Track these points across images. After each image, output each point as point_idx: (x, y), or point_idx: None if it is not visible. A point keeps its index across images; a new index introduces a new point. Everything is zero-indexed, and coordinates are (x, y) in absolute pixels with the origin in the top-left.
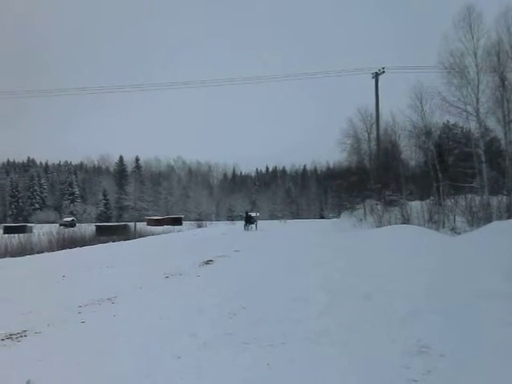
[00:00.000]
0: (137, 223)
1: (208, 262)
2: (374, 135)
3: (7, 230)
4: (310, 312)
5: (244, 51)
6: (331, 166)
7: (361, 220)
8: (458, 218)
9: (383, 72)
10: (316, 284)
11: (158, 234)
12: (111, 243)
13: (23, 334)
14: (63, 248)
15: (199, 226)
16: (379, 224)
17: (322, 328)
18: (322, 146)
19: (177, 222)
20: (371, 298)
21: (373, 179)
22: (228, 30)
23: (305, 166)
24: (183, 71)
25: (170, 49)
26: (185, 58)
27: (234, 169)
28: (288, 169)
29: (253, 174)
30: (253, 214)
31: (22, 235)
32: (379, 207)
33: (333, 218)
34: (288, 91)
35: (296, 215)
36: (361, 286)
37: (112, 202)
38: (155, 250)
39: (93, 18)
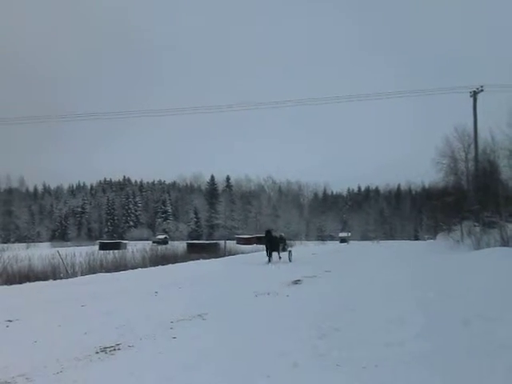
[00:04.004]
0: (227, 241)
1: (296, 282)
2: (471, 155)
3: (103, 247)
4: (404, 335)
5: (340, 71)
6: (426, 186)
7: (458, 242)
8: None
9: (481, 91)
10: (412, 306)
11: (248, 253)
12: (202, 261)
13: (117, 348)
14: (156, 264)
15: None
16: (477, 246)
17: (417, 351)
18: (417, 166)
19: None
20: (469, 324)
21: (470, 200)
22: (317, 48)
23: (399, 185)
24: (276, 90)
25: (255, 67)
26: (275, 77)
27: (324, 188)
28: (381, 188)
29: (344, 194)
30: (282, 234)
31: (116, 251)
32: (477, 229)
33: (428, 239)
34: (381, 109)
35: (389, 236)
36: (458, 310)
37: (203, 220)
38: (244, 269)
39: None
